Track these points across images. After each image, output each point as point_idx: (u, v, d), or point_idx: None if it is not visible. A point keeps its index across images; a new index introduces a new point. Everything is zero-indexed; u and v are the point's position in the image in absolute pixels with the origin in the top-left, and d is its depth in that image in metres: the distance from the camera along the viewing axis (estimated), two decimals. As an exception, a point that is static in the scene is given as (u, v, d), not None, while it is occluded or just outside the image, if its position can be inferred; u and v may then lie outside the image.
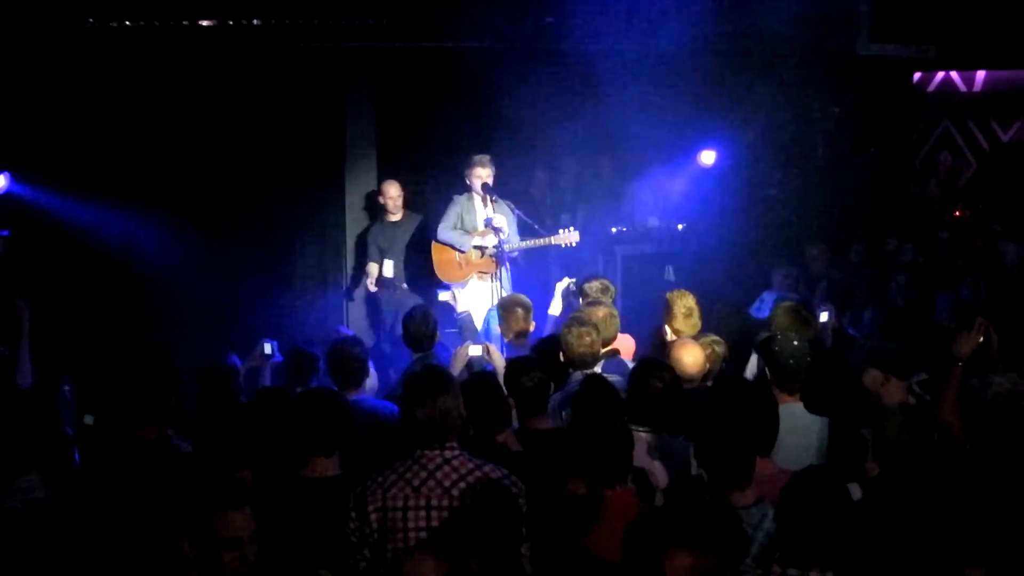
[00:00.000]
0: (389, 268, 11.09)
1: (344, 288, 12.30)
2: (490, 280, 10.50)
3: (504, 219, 10.52)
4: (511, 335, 8.27)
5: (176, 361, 6.21)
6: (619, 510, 4.96)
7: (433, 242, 10.79)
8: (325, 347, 7.47)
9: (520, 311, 8.29)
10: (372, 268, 11.29)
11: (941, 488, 5.03)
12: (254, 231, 11.91)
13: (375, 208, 11.87)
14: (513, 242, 10.48)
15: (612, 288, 8.71)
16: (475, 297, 10.49)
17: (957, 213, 13.29)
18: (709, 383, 7.20)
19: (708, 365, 7.18)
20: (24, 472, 5.47)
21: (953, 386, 5.83)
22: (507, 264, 10.34)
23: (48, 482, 5.46)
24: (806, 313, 7.62)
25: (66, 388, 7.30)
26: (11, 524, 4.89)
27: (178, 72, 11.20)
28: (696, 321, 7.73)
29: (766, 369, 6.34)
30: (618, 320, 7.76)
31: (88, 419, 6.39)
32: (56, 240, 10.84)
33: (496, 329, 8.58)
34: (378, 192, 11.54)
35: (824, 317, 7.51)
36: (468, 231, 10.68)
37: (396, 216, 11.38)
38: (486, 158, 10.63)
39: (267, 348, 7.98)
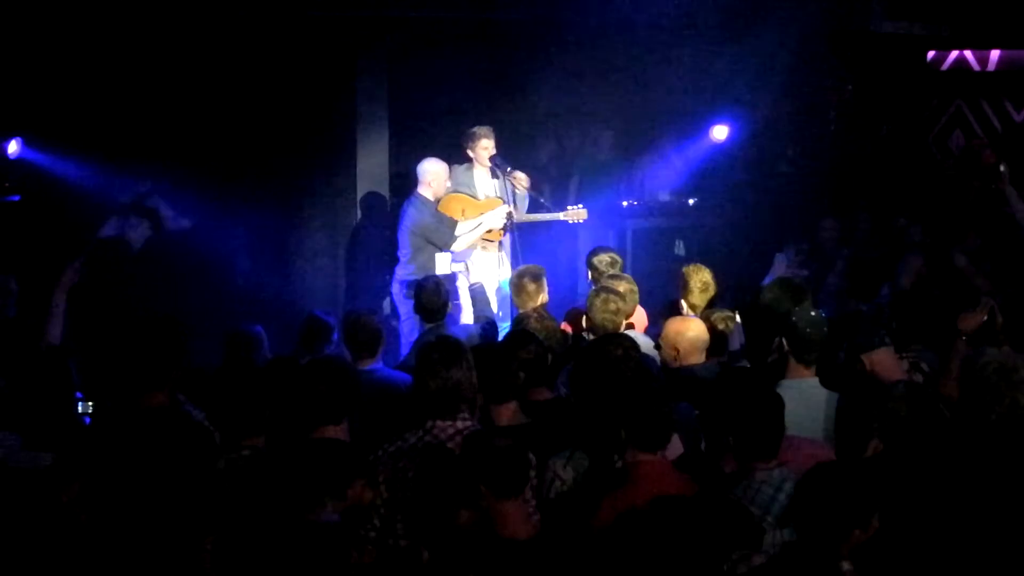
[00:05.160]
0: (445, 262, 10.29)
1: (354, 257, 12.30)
2: (497, 250, 10.50)
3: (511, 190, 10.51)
4: (528, 308, 8.21)
5: (186, 327, 6.25)
6: (652, 478, 5.00)
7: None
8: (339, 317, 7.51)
9: (529, 283, 8.23)
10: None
11: (944, 462, 5.08)
12: (264, 199, 11.89)
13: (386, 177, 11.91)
14: (515, 213, 10.44)
15: (620, 260, 8.74)
16: (480, 267, 10.47)
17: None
18: (723, 358, 7.23)
19: (709, 340, 7.19)
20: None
21: (956, 361, 5.88)
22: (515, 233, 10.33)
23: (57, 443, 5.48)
24: (799, 285, 7.67)
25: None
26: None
27: (189, 38, 11.16)
28: (712, 296, 7.78)
29: (783, 340, 6.36)
30: (637, 295, 7.80)
31: (85, 406, 6.39)
32: (68, 206, 10.85)
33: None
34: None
35: None
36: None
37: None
38: (489, 128, 10.58)
39: None
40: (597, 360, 6.09)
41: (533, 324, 7.21)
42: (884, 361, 6.41)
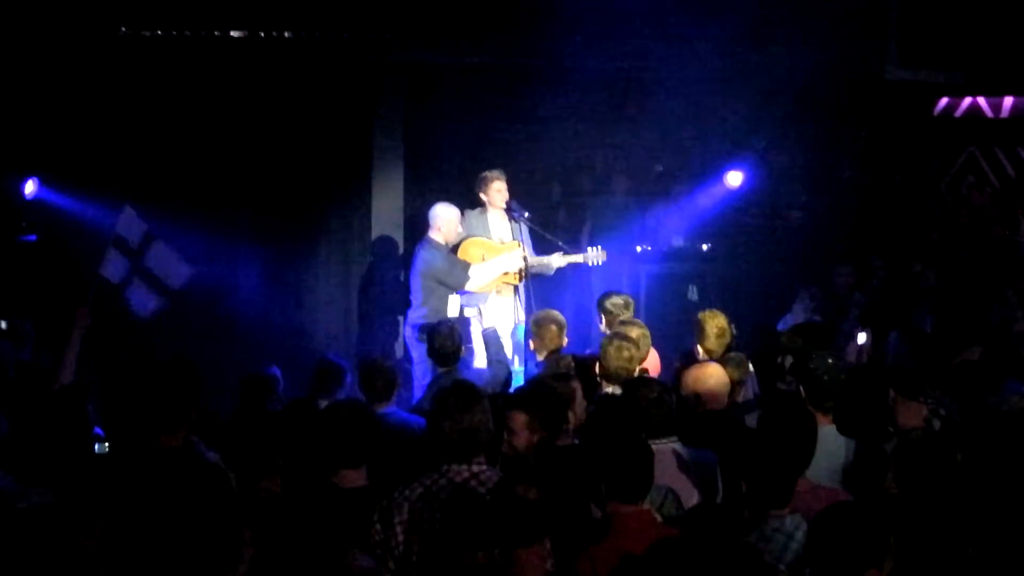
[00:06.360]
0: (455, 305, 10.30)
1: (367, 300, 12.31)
2: (513, 296, 10.52)
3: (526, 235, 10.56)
4: (544, 352, 8.25)
5: (199, 369, 6.27)
6: (633, 529, 4.96)
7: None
8: (353, 360, 7.52)
9: (554, 327, 8.30)
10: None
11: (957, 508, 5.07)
12: (279, 240, 11.95)
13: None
14: (530, 257, 10.48)
15: (632, 302, 8.76)
16: (495, 312, 10.47)
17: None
18: (740, 400, 7.22)
19: (730, 385, 7.18)
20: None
21: None
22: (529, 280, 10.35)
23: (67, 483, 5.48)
24: (816, 331, 7.67)
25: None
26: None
27: (208, 82, 11.25)
28: (728, 341, 7.77)
29: (800, 387, 6.35)
30: (649, 340, 7.79)
31: (102, 447, 6.40)
32: (84, 246, 10.87)
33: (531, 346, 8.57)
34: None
35: (862, 339, 7.55)
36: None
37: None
38: (500, 172, 10.65)
39: None
40: (630, 405, 6.09)
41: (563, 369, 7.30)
42: (909, 409, 6.39)
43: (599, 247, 10.74)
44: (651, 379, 6.67)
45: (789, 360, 7.28)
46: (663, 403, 6.14)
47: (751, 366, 7.67)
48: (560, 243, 10.77)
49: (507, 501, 4.76)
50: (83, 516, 4.58)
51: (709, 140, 12.94)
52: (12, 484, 5.50)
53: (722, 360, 7.48)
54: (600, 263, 10.68)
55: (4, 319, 9.03)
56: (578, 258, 10.65)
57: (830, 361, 6.40)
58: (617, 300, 8.73)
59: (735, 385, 7.33)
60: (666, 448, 5.94)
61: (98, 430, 6.41)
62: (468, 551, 4.56)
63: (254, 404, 7.20)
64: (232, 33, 11.06)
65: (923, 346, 7.97)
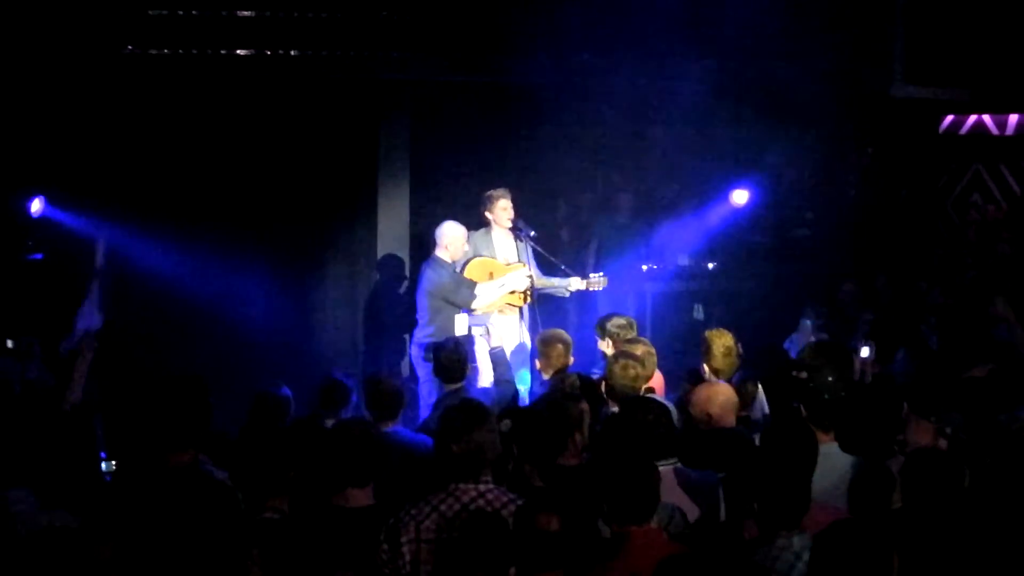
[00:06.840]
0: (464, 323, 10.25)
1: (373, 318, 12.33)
2: (518, 316, 10.53)
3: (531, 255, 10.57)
4: (551, 372, 8.26)
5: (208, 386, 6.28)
6: (642, 548, 4.95)
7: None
8: (359, 378, 7.51)
9: (560, 346, 8.30)
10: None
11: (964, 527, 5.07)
12: (285, 258, 11.96)
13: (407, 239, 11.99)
14: (537, 279, 10.48)
15: (634, 322, 8.75)
16: (501, 331, 10.47)
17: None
18: (749, 414, 7.22)
19: (738, 402, 7.18)
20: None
21: None
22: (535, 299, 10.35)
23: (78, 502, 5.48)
24: (836, 350, 7.65)
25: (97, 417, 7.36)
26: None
27: (214, 100, 11.28)
28: (734, 360, 7.76)
29: (801, 406, 6.35)
30: (655, 358, 7.79)
31: (109, 465, 6.40)
32: (90, 265, 10.88)
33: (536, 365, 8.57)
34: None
35: (865, 352, 7.56)
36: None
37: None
38: (505, 190, 10.65)
39: None
40: (626, 425, 6.08)
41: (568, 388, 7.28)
42: (920, 427, 6.38)
43: (600, 273, 10.75)
44: (648, 399, 6.65)
45: (804, 375, 7.25)
46: (659, 424, 6.12)
47: (760, 385, 7.67)
48: (563, 267, 10.78)
49: (529, 528, 4.75)
50: (94, 535, 4.59)
51: (715, 158, 12.94)
52: (33, 506, 5.50)
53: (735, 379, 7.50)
54: (601, 289, 10.69)
55: (11, 338, 9.05)
56: (581, 285, 10.66)
57: (830, 379, 6.39)
58: (620, 321, 8.70)
59: (746, 400, 7.35)
60: (666, 470, 5.93)
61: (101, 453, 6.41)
62: (480, 573, 4.55)
63: (264, 423, 7.18)
64: (238, 52, 11.09)
65: (930, 364, 7.97)
